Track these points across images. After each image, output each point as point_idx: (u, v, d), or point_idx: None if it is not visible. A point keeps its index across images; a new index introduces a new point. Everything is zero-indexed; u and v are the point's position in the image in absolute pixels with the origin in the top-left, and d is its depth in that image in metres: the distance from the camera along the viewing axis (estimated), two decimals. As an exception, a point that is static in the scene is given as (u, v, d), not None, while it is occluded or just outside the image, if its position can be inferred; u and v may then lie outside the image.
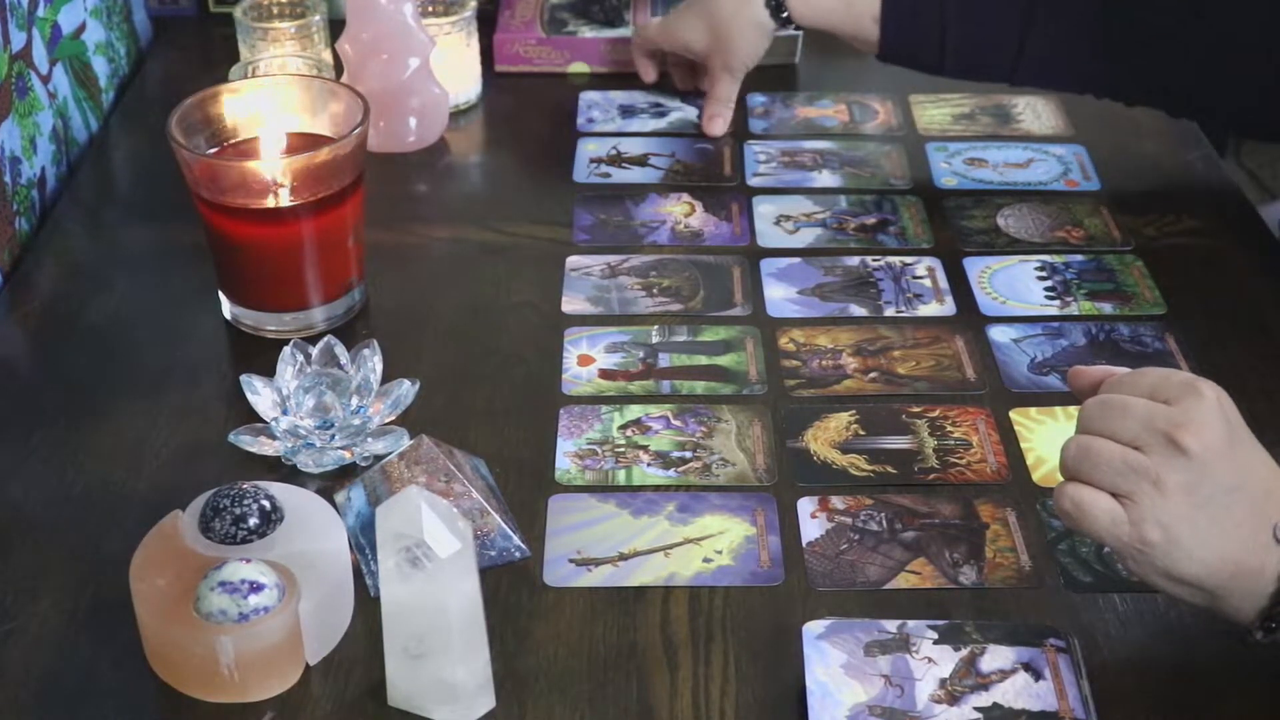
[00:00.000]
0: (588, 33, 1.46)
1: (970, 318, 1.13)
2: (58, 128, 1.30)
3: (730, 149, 1.34)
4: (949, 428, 1.02)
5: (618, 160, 1.33)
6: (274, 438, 0.98)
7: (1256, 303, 1.15)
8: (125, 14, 1.49)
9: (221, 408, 1.04)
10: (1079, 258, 1.20)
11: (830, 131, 1.37)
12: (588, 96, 1.42)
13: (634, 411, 1.04)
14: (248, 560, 0.82)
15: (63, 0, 1.31)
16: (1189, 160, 1.31)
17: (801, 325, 1.12)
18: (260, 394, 0.99)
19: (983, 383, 1.07)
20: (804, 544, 0.93)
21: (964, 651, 0.85)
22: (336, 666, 0.85)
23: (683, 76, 1.41)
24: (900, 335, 1.11)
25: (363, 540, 0.91)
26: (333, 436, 0.98)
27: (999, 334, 1.11)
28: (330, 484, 0.96)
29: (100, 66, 1.40)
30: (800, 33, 1.47)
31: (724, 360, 1.09)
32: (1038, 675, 0.84)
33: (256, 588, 0.81)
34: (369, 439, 0.99)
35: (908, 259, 1.20)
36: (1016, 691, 0.83)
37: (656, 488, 0.98)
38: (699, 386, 1.06)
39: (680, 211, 1.26)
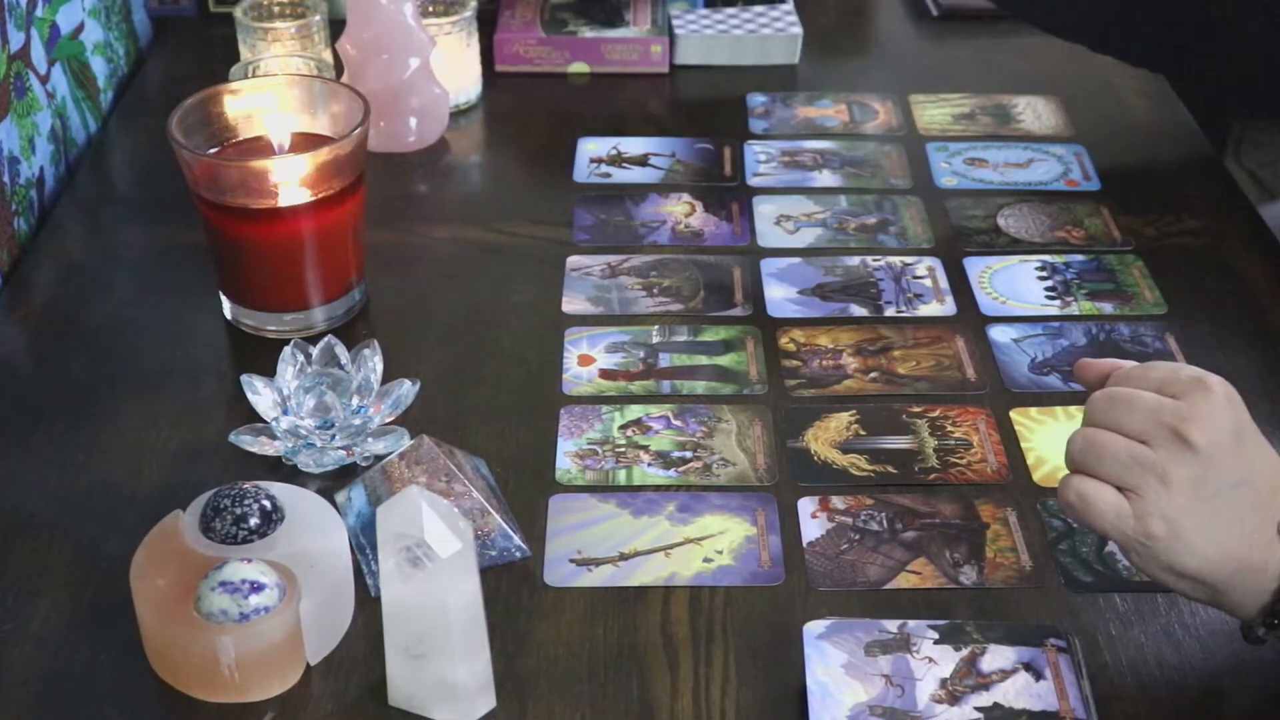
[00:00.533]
0: (588, 33, 1.46)
1: (970, 318, 1.13)
2: (56, 128, 1.30)
3: (730, 149, 1.34)
4: (949, 428, 1.02)
5: (618, 160, 1.33)
6: (274, 438, 0.98)
7: (1257, 303, 1.15)
8: (125, 14, 1.49)
9: (222, 408, 1.04)
10: (1079, 258, 1.20)
11: (830, 131, 1.37)
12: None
13: (634, 411, 1.04)
14: (248, 560, 0.82)
15: (61, 0, 1.31)
16: (1189, 160, 1.31)
17: (802, 325, 1.12)
18: (261, 394, 0.99)
19: (983, 383, 1.07)
20: (804, 544, 0.93)
21: (964, 651, 0.85)
22: (337, 666, 0.85)
23: None
24: (900, 335, 1.11)
25: (363, 540, 0.91)
26: (333, 436, 0.98)
27: (999, 334, 1.11)
28: (331, 484, 0.96)
29: (99, 66, 1.40)
30: (800, 32, 1.47)
31: (724, 360, 1.09)
32: (1038, 675, 0.84)
33: (257, 588, 0.81)
34: (369, 439, 0.99)
35: (908, 259, 1.20)
36: (1017, 691, 0.83)
37: (657, 488, 0.98)
38: (699, 386, 1.06)
39: (680, 211, 1.26)
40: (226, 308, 1.12)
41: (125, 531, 0.91)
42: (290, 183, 1.05)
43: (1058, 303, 1.15)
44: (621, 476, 0.98)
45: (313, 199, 1.05)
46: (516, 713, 0.82)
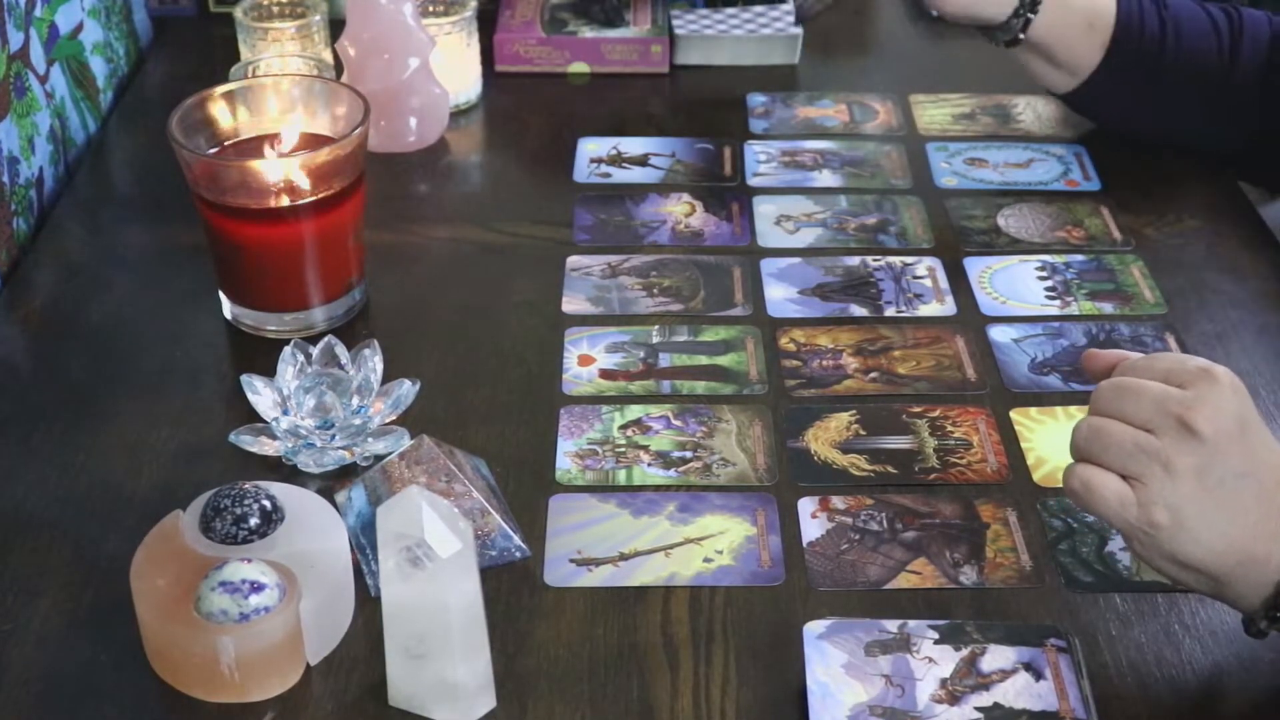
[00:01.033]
0: (588, 33, 1.46)
1: (970, 318, 1.13)
2: (55, 128, 1.30)
3: (730, 149, 1.34)
4: (949, 428, 1.02)
5: (618, 160, 1.33)
6: (274, 438, 0.98)
7: (1257, 303, 1.15)
8: (124, 14, 1.49)
9: (222, 408, 1.04)
10: (1079, 258, 1.20)
11: (830, 131, 1.37)
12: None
13: (634, 411, 1.04)
14: (248, 560, 0.82)
15: (60, 0, 1.31)
16: (1189, 160, 1.31)
17: (802, 325, 1.12)
18: (261, 394, 0.99)
19: (983, 383, 1.07)
20: (804, 544, 0.93)
21: (964, 651, 0.85)
22: (337, 666, 0.85)
23: None
24: (900, 335, 1.11)
25: (363, 540, 0.91)
26: (333, 436, 0.98)
27: (999, 334, 1.11)
28: (331, 484, 0.96)
29: (98, 66, 1.40)
30: (801, 31, 1.47)
31: (724, 360, 1.09)
32: (1038, 675, 0.84)
33: (257, 588, 0.81)
34: (369, 439, 0.99)
35: (908, 259, 1.20)
36: (1017, 691, 0.83)
37: (657, 488, 0.98)
38: (699, 386, 1.06)
39: (680, 211, 1.26)
40: (226, 308, 1.12)
41: (125, 531, 0.91)
42: (290, 183, 1.05)
43: (1058, 303, 1.15)
44: (621, 476, 0.98)
45: (313, 199, 1.05)
46: (516, 713, 0.82)
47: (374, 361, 1.00)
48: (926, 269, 1.18)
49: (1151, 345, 1.10)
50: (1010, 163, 1.32)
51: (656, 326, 1.12)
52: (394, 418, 1.00)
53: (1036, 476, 0.98)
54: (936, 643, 0.85)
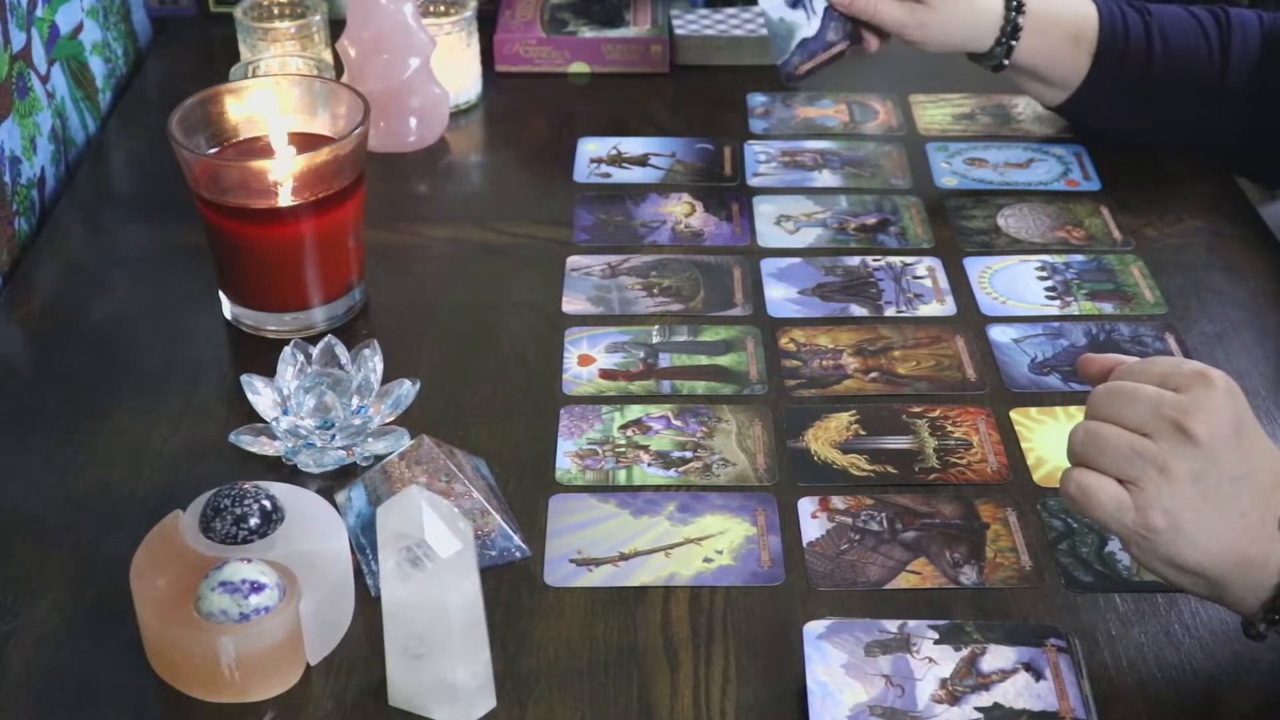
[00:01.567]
0: (588, 33, 1.46)
1: (970, 318, 1.13)
2: (56, 128, 1.30)
3: (730, 149, 1.34)
4: (949, 428, 1.02)
5: (618, 160, 1.33)
6: (274, 438, 0.98)
7: (1257, 303, 1.15)
8: (124, 14, 1.49)
9: (222, 408, 1.04)
10: (1079, 258, 1.20)
11: (830, 131, 1.37)
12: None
13: (634, 411, 1.04)
14: (248, 560, 0.82)
15: (60, 0, 1.31)
16: (1189, 160, 1.31)
17: (802, 325, 1.12)
18: (261, 394, 0.99)
19: (983, 383, 1.07)
20: (804, 544, 0.93)
21: (964, 651, 0.85)
22: (337, 666, 0.85)
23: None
24: (900, 335, 1.11)
25: (363, 540, 0.91)
26: (333, 436, 0.98)
27: (999, 334, 1.11)
28: (331, 484, 0.96)
29: (97, 67, 1.40)
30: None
31: (724, 360, 1.09)
32: (1038, 675, 0.84)
33: (257, 588, 0.81)
34: (369, 439, 0.99)
35: (908, 259, 1.20)
36: (1017, 691, 0.83)
37: (657, 488, 0.98)
38: (699, 386, 1.06)
39: (680, 211, 1.26)
40: (226, 308, 1.12)
41: (125, 531, 0.91)
42: (290, 183, 1.05)
43: (1058, 303, 1.15)
44: (621, 476, 0.98)
45: (313, 199, 1.05)
46: (516, 713, 0.82)
47: (374, 361, 1.00)
48: (926, 269, 1.18)
49: (1151, 345, 1.10)
50: (1010, 163, 1.32)
51: (656, 326, 1.12)
52: (394, 418, 1.01)
53: (1036, 476, 0.98)
54: (936, 643, 0.85)
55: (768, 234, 1.23)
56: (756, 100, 1.42)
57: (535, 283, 1.17)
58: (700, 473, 0.99)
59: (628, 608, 0.89)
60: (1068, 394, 1.05)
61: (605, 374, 1.07)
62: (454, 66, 1.37)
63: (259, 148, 1.09)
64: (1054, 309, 1.14)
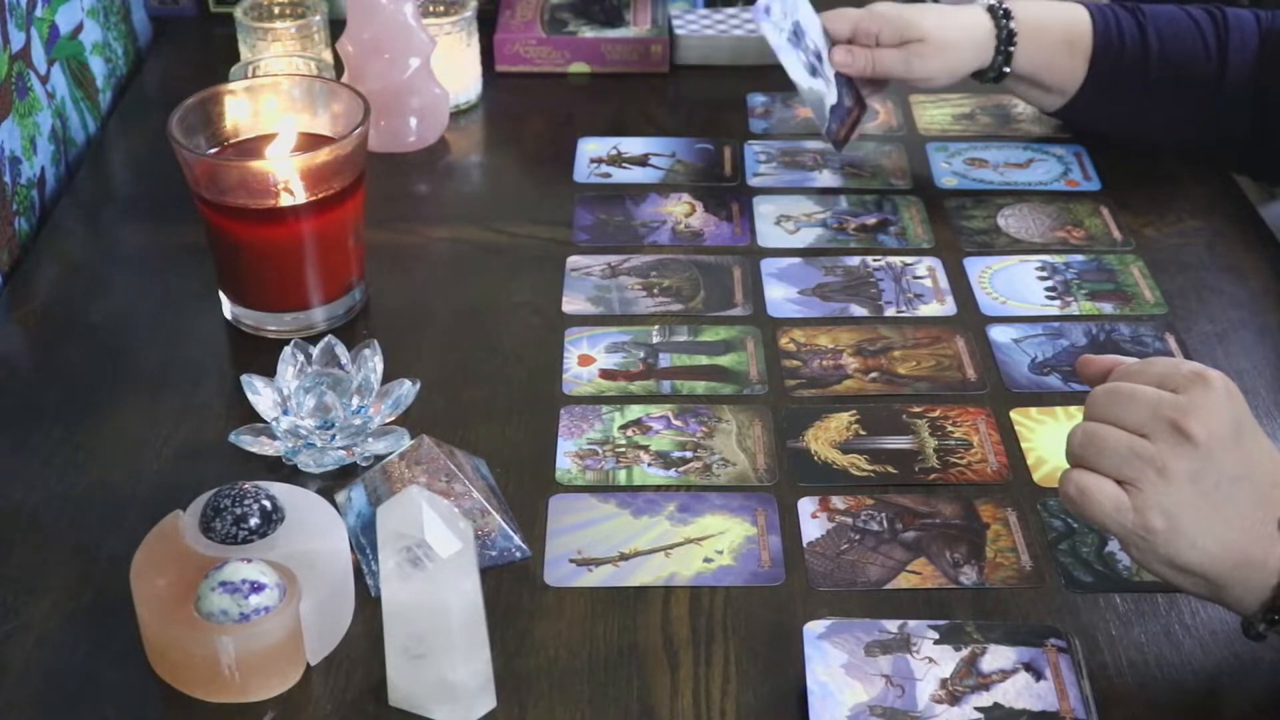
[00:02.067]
0: (588, 33, 1.46)
1: (970, 318, 1.13)
2: (56, 128, 1.30)
3: (730, 149, 1.34)
4: (949, 428, 1.02)
5: (618, 160, 1.33)
6: (274, 438, 0.98)
7: (1257, 303, 1.15)
8: (123, 14, 1.49)
9: (222, 408, 1.04)
10: (1079, 258, 1.20)
11: (830, 131, 1.37)
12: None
13: (634, 411, 1.04)
14: (248, 560, 0.82)
15: (60, 0, 1.31)
16: (1189, 160, 1.31)
17: (802, 325, 1.12)
18: (261, 394, 0.99)
19: (983, 383, 1.07)
20: (804, 544, 0.93)
21: (965, 651, 0.85)
22: (337, 666, 0.85)
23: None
24: (901, 335, 1.11)
25: (363, 540, 0.91)
26: (333, 436, 0.98)
27: (999, 334, 1.11)
28: (331, 484, 0.96)
29: (97, 66, 1.40)
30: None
31: (724, 360, 1.09)
32: (1038, 675, 0.84)
33: (257, 588, 0.81)
34: (369, 439, 0.99)
35: (908, 259, 1.20)
36: (1017, 691, 0.83)
37: (657, 488, 0.98)
38: (699, 386, 1.06)
39: (680, 211, 1.26)
40: (226, 308, 1.12)
41: (125, 531, 0.91)
42: (290, 183, 1.05)
43: (1058, 303, 1.15)
44: (621, 476, 0.98)
45: (313, 199, 1.05)
46: (516, 713, 0.82)
47: (374, 361, 1.00)
48: (926, 269, 1.18)
49: (1151, 345, 1.10)
50: (1010, 163, 1.32)
51: (656, 326, 1.12)
52: (394, 418, 1.01)
53: (1036, 477, 0.98)
54: (936, 643, 0.85)
55: (768, 234, 1.23)
56: (756, 100, 1.42)
57: (535, 283, 1.17)
58: (700, 473, 0.99)
59: (628, 608, 0.89)
60: (1068, 394, 1.05)
61: (605, 374, 1.07)
62: (454, 66, 1.37)
63: (259, 148, 1.09)
64: (1054, 309, 1.14)
